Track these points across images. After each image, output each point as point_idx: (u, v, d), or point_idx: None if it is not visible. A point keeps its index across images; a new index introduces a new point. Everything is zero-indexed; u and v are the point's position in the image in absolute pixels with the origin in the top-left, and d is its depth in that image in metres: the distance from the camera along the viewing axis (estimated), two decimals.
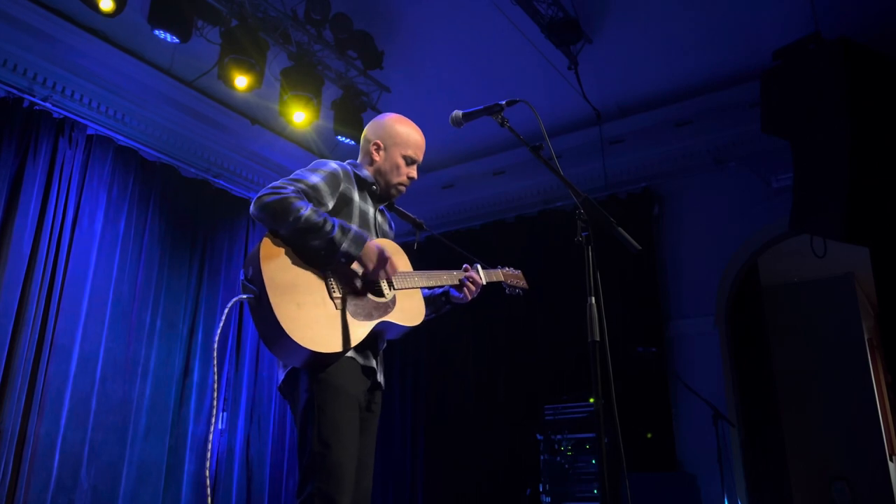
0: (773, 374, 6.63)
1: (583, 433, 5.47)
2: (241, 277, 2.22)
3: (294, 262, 2.21)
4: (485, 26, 5.19)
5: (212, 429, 2.28)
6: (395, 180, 2.57)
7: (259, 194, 2.23)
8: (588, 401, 5.50)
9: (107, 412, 5.06)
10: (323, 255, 2.22)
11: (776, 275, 7.92)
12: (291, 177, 2.32)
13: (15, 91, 4.92)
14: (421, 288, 2.55)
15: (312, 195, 2.28)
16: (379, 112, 5.55)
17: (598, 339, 2.00)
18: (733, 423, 5.33)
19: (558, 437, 5.52)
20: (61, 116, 5.13)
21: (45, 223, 4.88)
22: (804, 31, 4.72)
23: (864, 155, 4.35)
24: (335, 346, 2.16)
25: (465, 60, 5.63)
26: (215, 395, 2.15)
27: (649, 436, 5.55)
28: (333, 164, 2.43)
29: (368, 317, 2.29)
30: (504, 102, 2.38)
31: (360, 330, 2.25)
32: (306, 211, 2.18)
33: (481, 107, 2.39)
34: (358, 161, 2.62)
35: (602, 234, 2.13)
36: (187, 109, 6.03)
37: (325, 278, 2.25)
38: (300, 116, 5.25)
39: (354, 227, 2.30)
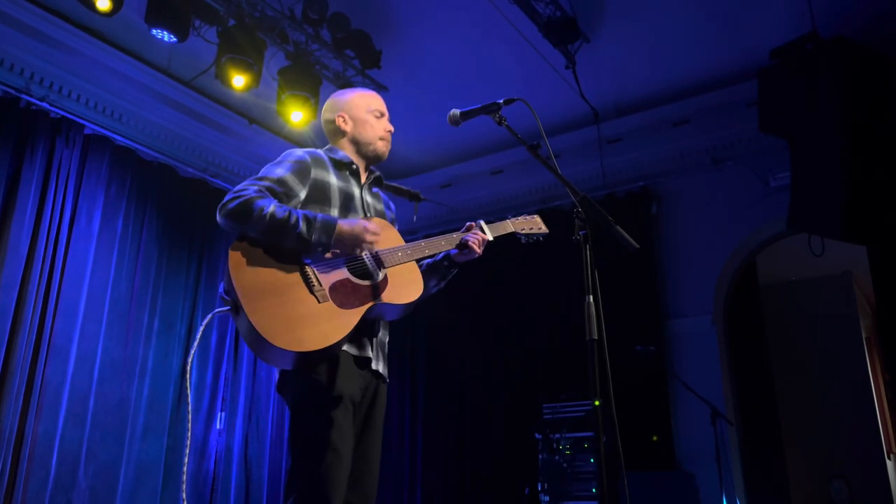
0: (771, 373, 6.64)
1: (581, 432, 5.47)
2: (220, 291, 2.13)
3: (268, 264, 2.10)
4: (482, 25, 5.18)
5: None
6: (374, 135, 2.49)
7: (222, 202, 2.13)
8: (586, 399, 5.49)
9: (105, 412, 5.05)
10: (298, 250, 2.14)
11: (774, 274, 7.94)
12: (256, 175, 2.24)
13: (12, 91, 4.90)
14: (417, 260, 2.37)
15: (279, 190, 2.20)
16: None
17: (596, 337, 1.99)
18: (731, 422, 5.34)
19: (556, 436, 5.51)
20: (58, 116, 5.12)
21: (43, 223, 4.87)
22: (801, 31, 4.73)
23: (861, 154, 4.37)
24: (321, 342, 2.03)
25: (463, 59, 5.63)
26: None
27: (655, 438, 5.54)
28: (299, 152, 2.35)
29: (358, 303, 2.14)
30: (502, 101, 2.36)
31: (349, 319, 2.10)
32: (269, 208, 2.09)
33: (479, 105, 2.38)
34: (331, 145, 2.54)
35: (600, 233, 2.13)
36: (185, 109, 6.02)
37: (303, 274, 2.13)
38: (298, 116, 5.24)
39: (320, 214, 2.18)
